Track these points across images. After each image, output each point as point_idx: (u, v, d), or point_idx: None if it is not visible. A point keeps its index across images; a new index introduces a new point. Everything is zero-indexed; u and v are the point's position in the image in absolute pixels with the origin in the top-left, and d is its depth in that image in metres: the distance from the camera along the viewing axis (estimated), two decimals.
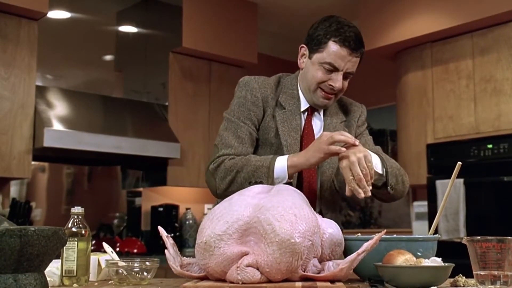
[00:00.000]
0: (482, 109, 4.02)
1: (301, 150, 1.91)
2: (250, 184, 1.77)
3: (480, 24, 4.02)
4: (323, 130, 1.98)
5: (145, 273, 1.55)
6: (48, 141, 3.54)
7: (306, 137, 1.97)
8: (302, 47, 1.97)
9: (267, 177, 1.78)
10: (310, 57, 1.93)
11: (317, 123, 2.01)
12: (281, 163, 1.80)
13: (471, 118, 4.07)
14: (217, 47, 4.57)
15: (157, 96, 4.48)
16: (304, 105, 1.99)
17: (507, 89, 3.91)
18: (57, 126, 3.62)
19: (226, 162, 1.85)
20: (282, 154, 1.86)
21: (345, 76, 1.91)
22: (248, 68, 4.85)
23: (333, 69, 1.88)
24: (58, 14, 4.11)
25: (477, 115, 4.05)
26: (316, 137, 1.96)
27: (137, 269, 1.54)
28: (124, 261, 1.57)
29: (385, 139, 5.23)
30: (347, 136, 1.72)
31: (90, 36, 4.32)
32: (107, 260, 1.59)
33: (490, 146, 3.91)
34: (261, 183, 1.76)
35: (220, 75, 4.71)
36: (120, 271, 1.54)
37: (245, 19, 4.79)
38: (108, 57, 4.49)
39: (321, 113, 2.02)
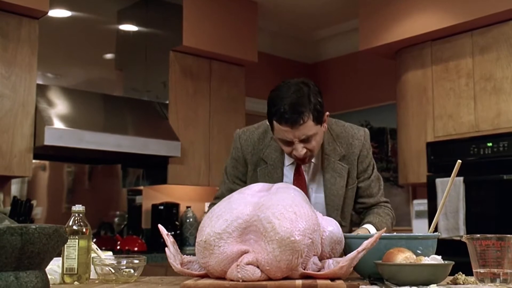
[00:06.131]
0: (481, 108, 4.02)
1: None
2: None
3: (480, 23, 4.02)
4: (323, 171, 2.04)
5: (131, 271, 1.57)
6: (49, 140, 3.54)
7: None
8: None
9: None
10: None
11: (311, 166, 2.05)
12: None
13: (470, 117, 4.07)
14: (218, 45, 4.57)
15: (158, 95, 4.48)
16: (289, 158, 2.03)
17: (507, 88, 3.91)
18: (57, 124, 3.63)
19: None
20: None
21: (305, 140, 1.89)
22: (248, 67, 4.85)
23: (288, 142, 1.90)
24: (59, 13, 4.12)
25: (476, 114, 4.05)
26: (307, 183, 2.03)
27: (124, 266, 1.57)
28: (110, 259, 1.60)
29: (385, 138, 5.23)
30: None
31: (91, 34, 4.32)
32: (93, 258, 1.61)
33: (489, 144, 3.91)
34: None
35: (221, 74, 4.71)
36: (107, 268, 1.57)
37: (245, 17, 4.78)
38: (109, 56, 4.49)
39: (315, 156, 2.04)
